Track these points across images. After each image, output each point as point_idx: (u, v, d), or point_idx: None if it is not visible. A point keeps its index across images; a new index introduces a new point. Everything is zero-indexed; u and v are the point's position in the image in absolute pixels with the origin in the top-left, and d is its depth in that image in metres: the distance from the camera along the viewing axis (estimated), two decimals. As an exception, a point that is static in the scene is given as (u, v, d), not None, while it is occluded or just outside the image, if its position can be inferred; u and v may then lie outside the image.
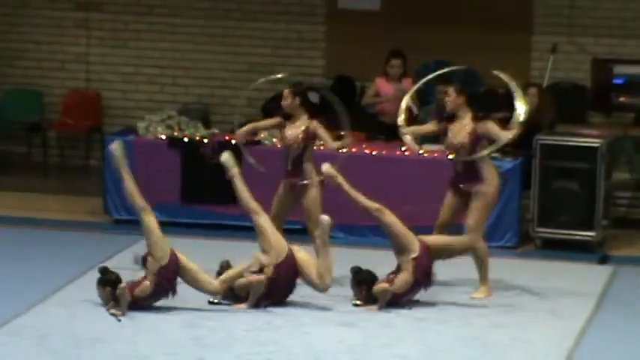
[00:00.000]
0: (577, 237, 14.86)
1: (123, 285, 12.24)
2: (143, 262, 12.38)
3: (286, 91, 13.49)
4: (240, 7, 17.72)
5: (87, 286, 12.99)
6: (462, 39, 16.77)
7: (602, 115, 16.59)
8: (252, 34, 17.74)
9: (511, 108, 13.00)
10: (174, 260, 12.31)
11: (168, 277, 12.30)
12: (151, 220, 12.43)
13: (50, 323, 12.03)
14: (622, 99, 16.64)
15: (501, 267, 13.86)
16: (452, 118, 13.12)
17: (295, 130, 13.41)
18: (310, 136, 13.39)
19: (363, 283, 12.76)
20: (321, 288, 12.58)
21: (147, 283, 12.28)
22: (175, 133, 15.68)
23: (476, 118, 13.02)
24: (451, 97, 13.14)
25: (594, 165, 14.83)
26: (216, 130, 16.01)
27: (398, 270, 12.61)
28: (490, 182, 13.05)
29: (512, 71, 13.35)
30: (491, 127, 12.99)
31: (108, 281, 12.37)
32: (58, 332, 11.78)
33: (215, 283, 12.45)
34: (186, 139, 15.61)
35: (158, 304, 12.49)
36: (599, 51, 16.93)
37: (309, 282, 12.61)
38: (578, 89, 16.75)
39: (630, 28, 16.93)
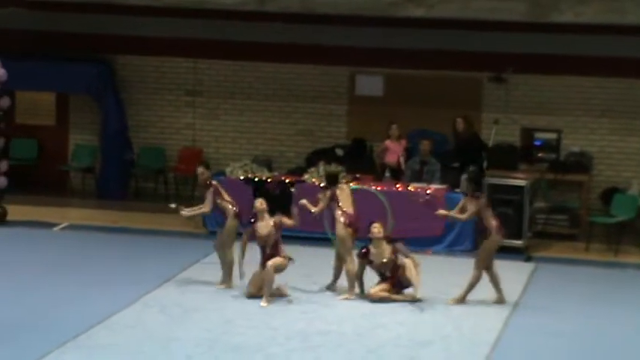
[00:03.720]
0: (511, 244, 14.74)
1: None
2: None
3: (201, 168, 12.71)
4: (291, 92, 17.73)
5: (193, 273, 13.02)
6: (436, 114, 16.76)
7: (527, 165, 16.52)
8: (299, 110, 17.76)
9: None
10: None
11: None
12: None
13: (167, 298, 12.07)
14: (540, 154, 16.63)
15: (462, 264, 13.81)
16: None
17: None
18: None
19: (473, 180, 12.40)
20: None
21: None
22: (249, 175, 15.71)
23: None
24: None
25: (522, 197, 14.79)
26: (275, 173, 16.04)
27: None
28: None
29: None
30: None
31: None
32: (172, 303, 11.83)
33: None
34: (256, 179, 15.63)
35: (242, 286, 12.39)
36: (525, 123, 16.86)
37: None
38: (511, 148, 16.62)
39: (545, 108, 16.89)
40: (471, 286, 12.08)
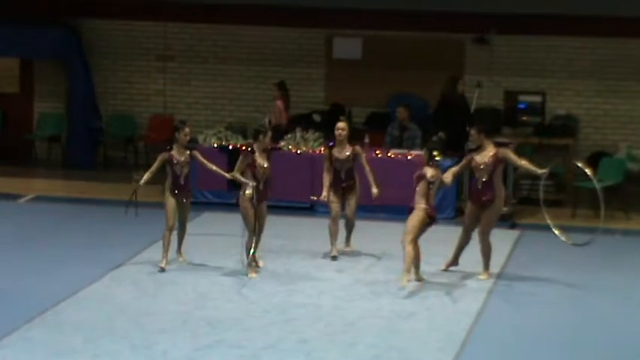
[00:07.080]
0: (496, 211, 14.68)
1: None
2: None
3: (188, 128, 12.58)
4: (267, 56, 17.61)
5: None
6: (417, 77, 16.67)
7: (511, 129, 16.45)
8: (275, 75, 17.60)
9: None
10: None
11: None
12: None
13: (139, 271, 11.94)
14: (524, 118, 16.57)
15: (445, 231, 13.70)
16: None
17: None
18: None
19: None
20: None
21: None
22: (223, 143, 15.52)
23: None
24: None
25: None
26: (250, 140, 15.83)
27: None
28: None
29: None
30: None
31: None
32: (144, 277, 11.71)
33: None
34: (230, 147, 15.45)
35: (217, 259, 12.27)
36: (509, 86, 16.82)
37: None
38: (495, 111, 16.61)
39: (530, 70, 16.84)
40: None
